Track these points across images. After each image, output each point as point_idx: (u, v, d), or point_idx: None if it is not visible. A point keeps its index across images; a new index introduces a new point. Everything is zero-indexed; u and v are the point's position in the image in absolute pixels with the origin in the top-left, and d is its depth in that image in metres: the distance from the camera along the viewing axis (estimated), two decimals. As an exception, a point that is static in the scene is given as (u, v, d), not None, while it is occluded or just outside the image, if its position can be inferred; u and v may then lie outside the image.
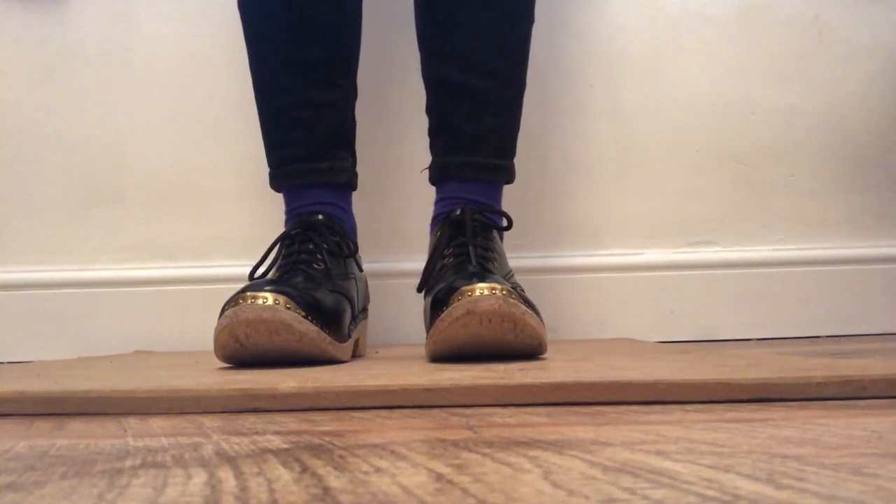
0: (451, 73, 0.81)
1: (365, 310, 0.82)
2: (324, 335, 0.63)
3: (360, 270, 0.80)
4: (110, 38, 1.14)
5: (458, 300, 0.59)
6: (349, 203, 0.84)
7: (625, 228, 1.13)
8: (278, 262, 0.73)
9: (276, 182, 0.83)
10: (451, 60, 0.81)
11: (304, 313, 0.61)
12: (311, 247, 0.73)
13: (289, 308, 0.60)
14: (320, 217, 0.76)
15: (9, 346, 1.08)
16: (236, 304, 0.60)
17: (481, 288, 0.59)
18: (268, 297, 0.60)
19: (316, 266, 0.71)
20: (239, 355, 0.61)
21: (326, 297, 0.68)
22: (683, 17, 1.15)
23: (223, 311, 0.61)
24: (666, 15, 1.15)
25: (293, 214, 0.80)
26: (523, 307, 0.60)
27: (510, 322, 0.59)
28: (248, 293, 0.60)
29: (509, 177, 0.84)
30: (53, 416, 0.44)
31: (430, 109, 0.84)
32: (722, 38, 1.15)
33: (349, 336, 0.71)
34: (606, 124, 1.14)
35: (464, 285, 0.60)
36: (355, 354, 0.76)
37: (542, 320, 0.63)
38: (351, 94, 0.84)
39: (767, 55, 1.14)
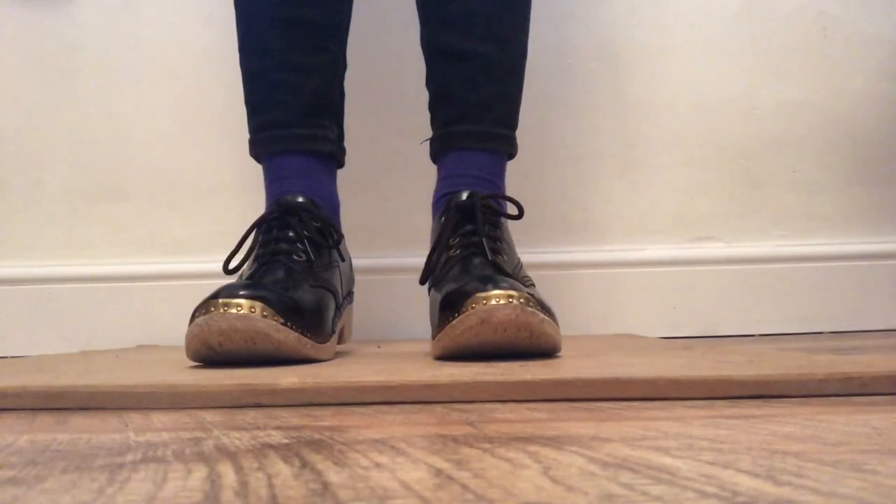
0: (451, 38, 0.79)
1: (350, 294, 0.78)
2: (304, 340, 0.59)
3: (343, 260, 0.75)
4: (113, 34, 1.14)
5: (473, 308, 0.55)
6: (333, 178, 0.81)
7: (627, 224, 1.13)
8: (255, 251, 0.69)
9: (255, 148, 0.79)
10: (451, 26, 0.79)
11: (282, 320, 0.57)
12: (290, 234, 0.68)
13: (265, 316, 0.56)
14: (300, 199, 0.71)
15: (12, 340, 1.08)
16: (207, 311, 0.55)
17: (497, 296, 0.55)
18: (242, 305, 0.55)
19: (296, 258, 0.67)
20: (212, 360, 0.58)
21: (307, 297, 0.63)
22: (687, 13, 1.14)
23: (193, 317, 0.56)
24: (669, 10, 1.14)
25: (272, 190, 0.76)
26: (541, 315, 0.56)
27: (527, 331, 0.56)
28: (221, 300, 0.56)
29: (512, 149, 0.81)
30: (55, 410, 0.44)
31: (431, 80, 0.82)
32: (725, 34, 1.14)
33: (333, 332, 0.68)
34: (609, 120, 1.14)
35: (477, 291, 0.56)
36: (340, 341, 0.74)
37: (557, 322, 0.60)
38: (339, 62, 0.81)
39: (771, 50, 1.14)
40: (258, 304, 0.56)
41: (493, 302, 0.55)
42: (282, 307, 0.58)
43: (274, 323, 0.56)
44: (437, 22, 0.81)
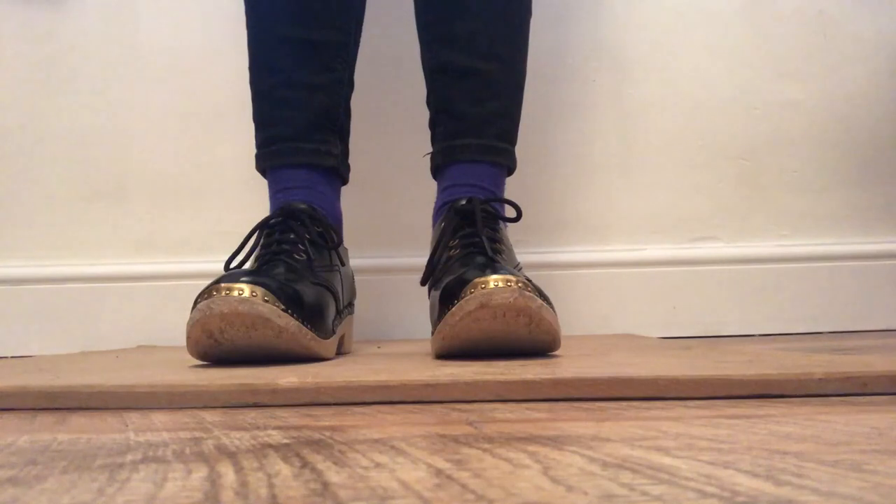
0: (454, 56, 0.81)
1: (351, 304, 0.79)
2: (305, 330, 0.60)
3: (344, 265, 0.77)
4: (113, 33, 1.14)
5: (471, 293, 0.56)
6: (336, 192, 0.82)
7: (628, 224, 1.13)
8: (256, 251, 0.70)
9: (261, 162, 0.81)
10: (453, 44, 0.81)
11: (283, 306, 0.57)
12: (291, 236, 0.69)
13: (267, 301, 0.56)
14: (303, 206, 0.73)
15: (12, 340, 1.08)
16: (209, 296, 0.56)
17: (495, 280, 0.56)
18: (244, 289, 0.56)
19: (297, 257, 0.68)
20: (213, 352, 0.58)
21: (308, 290, 0.64)
22: (687, 13, 1.14)
23: (196, 303, 0.57)
24: (669, 10, 1.14)
25: (275, 200, 0.78)
26: (539, 300, 0.57)
27: (525, 316, 0.56)
28: (223, 284, 0.56)
29: (512, 164, 0.83)
30: (55, 410, 0.44)
31: (432, 98, 0.84)
32: (726, 34, 1.14)
33: (333, 332, 0.68)
34: (609, 120, 1.14)
35: (476, 277, 0.57)
36: (340, 351, 0.73)
37: (555, 312, 0.60)
38: (345, 81, 0.82)
39: (771, 50, 1.14)
40: (259, 290, 0.57)
41: (492, 285, 0.56)
42: (283, 295, 0.58)
43: (275, 308, 0.57)
44: (438, 41, 0.83)
